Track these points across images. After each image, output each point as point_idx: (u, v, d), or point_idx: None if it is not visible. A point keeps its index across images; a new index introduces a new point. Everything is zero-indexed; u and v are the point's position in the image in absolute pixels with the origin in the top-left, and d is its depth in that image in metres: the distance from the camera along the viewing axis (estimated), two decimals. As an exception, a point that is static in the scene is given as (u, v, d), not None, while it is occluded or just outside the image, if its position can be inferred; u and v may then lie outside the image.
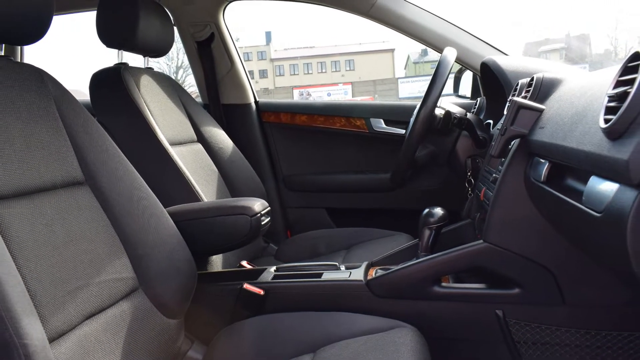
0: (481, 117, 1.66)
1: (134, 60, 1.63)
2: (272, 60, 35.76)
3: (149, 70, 1.66)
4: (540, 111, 0.94)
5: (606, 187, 0.63)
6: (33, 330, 0.70)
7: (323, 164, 2.11)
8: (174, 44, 1.70)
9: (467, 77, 1.94)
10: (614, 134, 0.60)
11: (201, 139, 1.75)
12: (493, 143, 1.15)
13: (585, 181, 0.69)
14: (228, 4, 2.01)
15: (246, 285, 1.15)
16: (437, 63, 1.41)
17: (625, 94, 0.60)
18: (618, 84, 0.64)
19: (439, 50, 1.69)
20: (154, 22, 1.53)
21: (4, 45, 0.97)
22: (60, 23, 2.19)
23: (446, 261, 1.07)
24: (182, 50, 2.12)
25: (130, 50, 1.56)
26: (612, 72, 0.69)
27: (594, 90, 0.78)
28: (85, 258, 0.90)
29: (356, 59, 35.10)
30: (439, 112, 1.48)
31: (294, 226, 2.12)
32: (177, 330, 1.05)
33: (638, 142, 0.55)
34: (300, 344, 1.03)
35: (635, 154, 0.55)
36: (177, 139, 1.60)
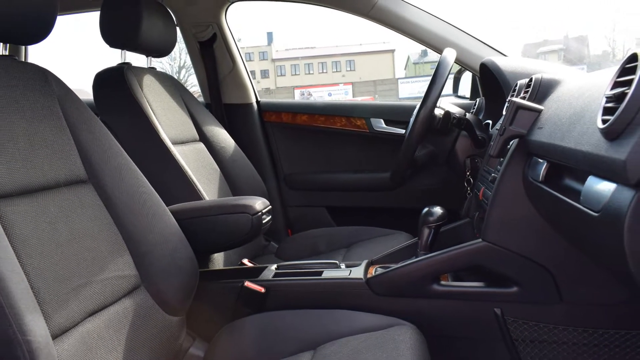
0: (480, 117, 1.66)
1: (137, 60, 1.64)
2: (273, 60, 35.78)
3: (151, 70, 1.67)
4: (539, 111, 0.95)
5: (604, 187, 0.63)
6: (36, 326, 0.71)
7: (324, 163, 2.12)
8: (177, 44, 1.71)
9: (467, 78, 1.94)
10: (611, 134, 0.60)
11: (203, 138, 1.76)
12: (492, 143, 1.15)
13: (583, 181, 0.70)
14: (230, 4, 2.02)
15: (247, 283, 1.16)
16: (436, 64, 1.42)
17: (622, 95, 0.60)
18: (616, 85, 0.64)
19: (439, 51, 1.69)
20: (156, 23, 1.54)
21: (8, 44, 0.98)
22: (65, 23, 2.20)
23: (445, 260, 1.08)
24: (185, 50, 2.13)
25: (133, 50, 1.57)
26: (609, 73, 0.70)
27: (592, 91, 0.78)
28: (88, 256, 0.90)
29: (357, 60, 35.10)
30: (438, 112, 1.48)
31: (295, 225, 2.12)
32: (178, 327, 1.05)
33: (635, 143, 0.55)
34: (301, 341, 1.03)
35: (632, 154, 0.55)
36: (179, 138, 1.61)
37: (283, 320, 1.10)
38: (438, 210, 1.23)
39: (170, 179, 1.44)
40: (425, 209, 1.24)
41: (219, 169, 1.74)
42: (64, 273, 0.84)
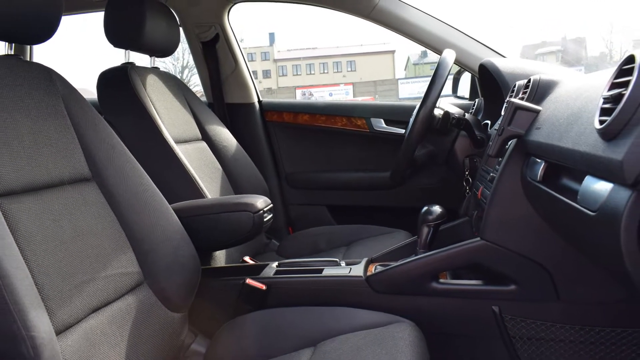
0: (479, 117, 1.66)
1: (141, 60, 1.65)
2: (275, 60, 35.78)
3: (155, 70, 1.68)
4: (537, 112, 0.95)
5: (601, 187, 0.64)
6: (40, 322, 0.71)
7: (324, 162, 2.13)
8: (180, 44, 1.72)
9: (466, 79, 1.95)
10: (608, 134, 0.61)
11: (206, 137, 1.77)
12: (490, 143, 1.16)
13: (580, 181, 0.70)
14: (233, 5, 2.03)
15: (249, 280, 1.16)
16: (436, 64, 1.43)
17: (620, 96, 0.61)
18: (613, 86, 0.65)
19: (439, 52, 1.70)
20: (160, 23, 1.55)
21: (13, 44, 0.98)
22: (69, 23, 2.21)
23: (444, 258, 1.08)
24: (188, 50, 2.13)
25: (137, 50, 1.57)
26: (607, 74, 0.70)
27: (589, 92, 0.78)
28: (92, 253, 0.91)
29: (357, 60, 35.09)
30: (438, 112, 1.49)
31: (296, 223, 2.13)
32: (181, 323, 1.06)
33: (632, 143, 0.56)
34: (301, 338, 1.04)
35: (629, 154, 0.56)
36: (182, 137, 1.62)
37: (284, 317, 1.10)
38: (437, 209, 1.24)
39: (173, 177, 1.45)
40: (425, 208, 1.25)
41: (221, 168, 1.74)
42: (67, 270, 0.84)
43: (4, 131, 0.84)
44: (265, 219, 1.24)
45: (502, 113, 1.26)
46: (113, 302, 0.92)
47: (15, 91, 0.90)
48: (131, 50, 1.57)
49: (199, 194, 1.47)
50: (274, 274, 1.21)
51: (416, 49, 32.77)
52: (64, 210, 0.90)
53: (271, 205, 1.30)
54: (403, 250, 1.33)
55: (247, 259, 1.46)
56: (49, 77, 1.00)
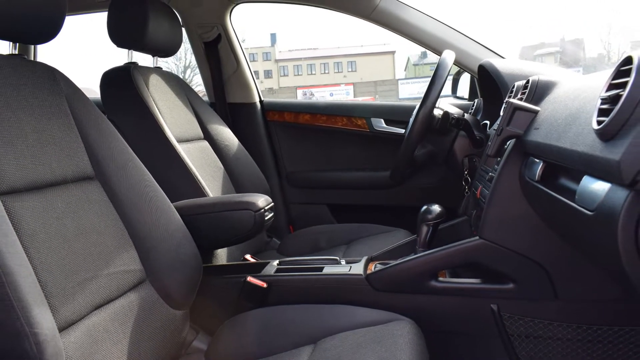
0: (478, 117, 1.67)
1: (144, 60, 1.66)
2: (276, 61, 35.87)
3: (157, 70, 1.68)
4: (535, 112, 0.96)
5: (598, 187, 0.64)
6: (43, 319, 0.72)
7: (325, 161, 2.14)
8: (182, 44, 1.72)
9: (465, 79, 1.95)
10: (606, 135, 0.61)
11: (207, 136, 1.78)
12: (489, 143, 1.16)
13: (578, 181, 0.71)
14: (235, 6, 2.04)
15: (250, 278, 1.17)
16: (436, 65, 1.43)
17: (617, 97, 0.61)
18: (611, 87, 0.65)
19: (438, 52, 1.71)
20: (163, 23, 1.55)
21: (17, 44, 0.99)
22: (73, 23, 2.22)
23: (443, 256, 1.09)
24: (190, 50, 2.14)
25: (139, 50, 1.58)
26: (605, 75, 0.70)
27: (587, 93, 0.79)
28: (95, 250, 0.91)
29: (358, 61, 35.16)
30: (437, 112, 1.50)
31: (297, 221, 2.15)
32: (182, 321, 1.07)
33: (629, 144, 0.56)
34: (302, 336, 1.04)
35: (626, 154, 0.56)
36: (184, 136, 1.63)
37: (284, 314, 1.11)
38: (436, 208, 1.24)
39: (175, 176, 1.46)
40: (424, 207, 1.25)
41: (222, 167, 1.75)
42: (71, 267, 0.85)
43: (8, 130, 0.84)
44: (266, 218, 1.25)
45: (501, 113, 1.27)
46: (115, 300, 0.92)
47: (20, 90, 0.91)
48: (134, 50, 1.58)
49: (200, 192, 1.47)
50: (274, 272, 1.21)
51: (416, 49, 32.83)
52: (67, 208, 0.90)
53: (272, 204, 1.30)
54: (403, 248, 1.34)
55: (248, 257, 1.47)
56: (53, 77, 1.00)
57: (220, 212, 1.22)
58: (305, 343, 1.03)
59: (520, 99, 1.06)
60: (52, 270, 0.81)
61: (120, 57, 1.61)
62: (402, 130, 1.96)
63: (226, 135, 1.85)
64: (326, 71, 35.47)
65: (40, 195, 0.86)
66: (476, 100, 1.81)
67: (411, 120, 1.50)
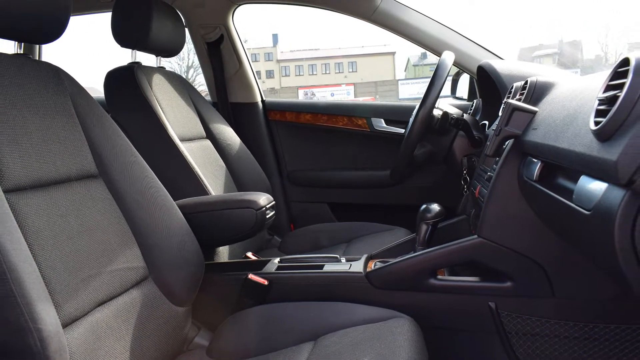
0: (477, 118, 1.68)
1: (147, 59, 1.67)
2: (278, 61, 35.93)
3: (161, 69, 1.69)
4: (534, 113, 0.97)
5: (595, 187, 0.65)
6: (47, 315, 0.72)
7: (326, 160, 2.15)
8: (185, 44, 1.73)
9: (464, 80, 1.96)
10: (603, 135, 0.62)
11: (210, 135, 1.79)
12: (488, 143, 1.16)
13: (575, 180, 0.71)
14: (237, 7, 2.05)
15: (251, 276, 1.18)
16: (435, 66, 1.44)
17: (614, 98, 0.61)
18: (608, 88, 0.65)
19: (438, 53, 1.72)
20: (166, 24, 1.56)
21: (22, 43, 0.99)
22: (78, 23, 2.23)
23: (442, 255, 1.09)
24: (193, 50, 2.16)
25: (143, 50, 1.59)
26: (602, 76, 0.70)
27: (585, 94, 0.79)
28: (98, 248, 0.92)
29: (358, 61, 35.20)
30: (437, 112, 1.51)
31: (297, 220, 2.15)
32: (184, 317, 1.07)
33: (626, 144, 0.57)
34: (302, 332, 1.05)
35: (623, 155, 0.57)
36: (187, 135, 1.63)
37: (285, 311, 1.11)
38: (436, 207, 1.25)
39: (177, 174, 1.47)
40: (423, 206, 1.26)
41: (224, 166, 1.76)
42: (74, 264, 0.85)
43: (13, 128, 0.85)
44: (267, 216, 1.26)
45: (500, 114, 1.27)
46: (118, 296, 0.93)
47: (25, 89, 0.91)
48: (138, 50, 1.58)
49: (203, 190, 1.48)
50: (275, 270, 1.22)
51: (416, 50, 32.85)
52: (71, 206, 0.91)
53: (273, 202, 1.31)
54: (402, 247, 1.35)
55: (249, 254, 1.47)
56: (58, 76, 1.01)
57: (222, 210, 1.23)
58: (305, 340, 1.04)
59: (519, 100, 1.07)
60: (56, 267, 0.81)
61: (124, 56, 1.62)
62: (402, 130, 1.97)
63: (228, 134, 1.86)
64: (327, 71, 35.52)
65: (44, 193, 0.87)
66: (475, 100, 1.82)
67: (411, 120, 1.51)
